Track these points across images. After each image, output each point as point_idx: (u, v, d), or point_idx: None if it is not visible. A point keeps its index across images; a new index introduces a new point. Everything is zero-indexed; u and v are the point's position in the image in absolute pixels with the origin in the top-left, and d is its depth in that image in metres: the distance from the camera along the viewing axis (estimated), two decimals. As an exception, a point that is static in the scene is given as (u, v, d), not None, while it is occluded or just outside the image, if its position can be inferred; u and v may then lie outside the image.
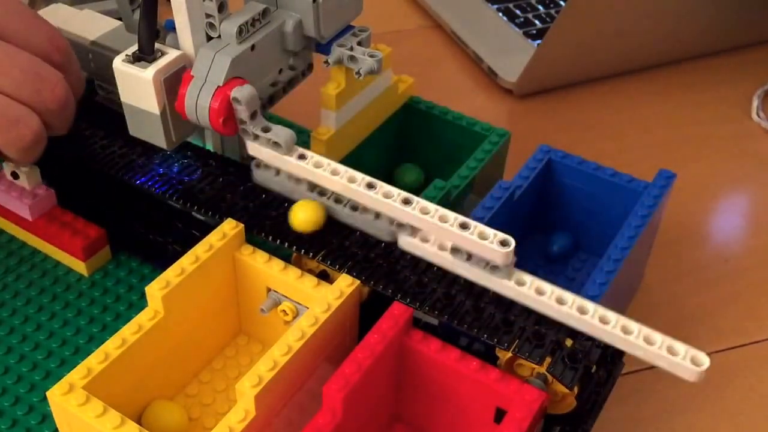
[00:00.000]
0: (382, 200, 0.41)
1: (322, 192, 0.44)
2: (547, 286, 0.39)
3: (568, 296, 0.38)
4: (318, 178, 0.43)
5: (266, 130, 0.43)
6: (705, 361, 0.36)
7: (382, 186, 0.41)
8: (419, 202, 0.40)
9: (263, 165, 0.45)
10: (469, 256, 0.40)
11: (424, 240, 0.41)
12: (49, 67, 0.43)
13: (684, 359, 0.36)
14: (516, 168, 0.51)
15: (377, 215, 0.42)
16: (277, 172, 0.45)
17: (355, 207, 0.43)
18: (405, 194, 0.41)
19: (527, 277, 0.39)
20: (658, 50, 0.75)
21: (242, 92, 0.42)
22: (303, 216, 0.43)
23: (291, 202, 0.44)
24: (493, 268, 0.39)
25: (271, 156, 0.44)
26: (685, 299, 0.55)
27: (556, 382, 0.37)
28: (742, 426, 0.48)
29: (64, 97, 0.43)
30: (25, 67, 0.42)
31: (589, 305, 0.38)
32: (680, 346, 0.36)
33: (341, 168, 0.42)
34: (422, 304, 0.39)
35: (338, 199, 0.43)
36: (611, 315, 0.37)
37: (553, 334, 0.38)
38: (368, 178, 0.42)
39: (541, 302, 0.38)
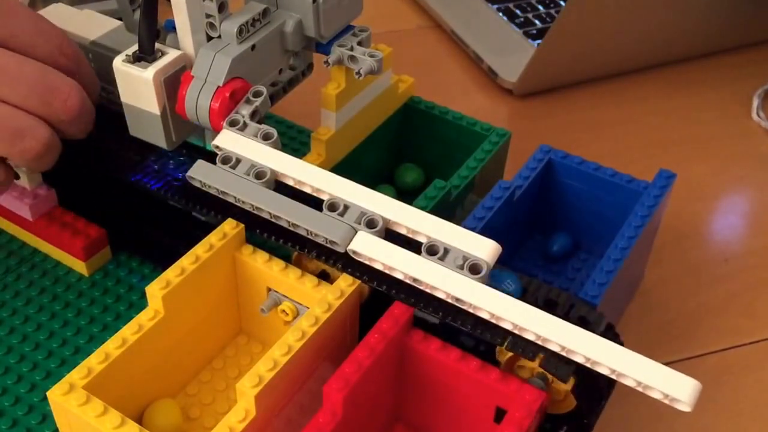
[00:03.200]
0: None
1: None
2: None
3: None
4: (299, 170, 0.42)
5: (259, 122, 0.43)
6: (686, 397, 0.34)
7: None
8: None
9: (217, 161, 0.43)
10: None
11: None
12: (61, 75, 0.42)
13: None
14: (516, 168, 0.51)
15: (341, 214, 0.40)
16: (234, 166, 0.43)
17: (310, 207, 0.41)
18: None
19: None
20: (658, 50, 0.75)
21: (262, 94, 0.42)
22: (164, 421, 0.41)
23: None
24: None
25: (247, 145, 0.42)
26: (684, 299, 0.55)
27: (556, 382, 0.37)
28: (742, 426, 0.48)
29: (78, 107, 0.42)
30: (32, 78, 0.41)
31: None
32: (657, 390, 0.34)
33: (322, 173, 0.41)
34: (417, 301, 0.39)
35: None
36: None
37: None
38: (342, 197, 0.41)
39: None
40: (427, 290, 0.38)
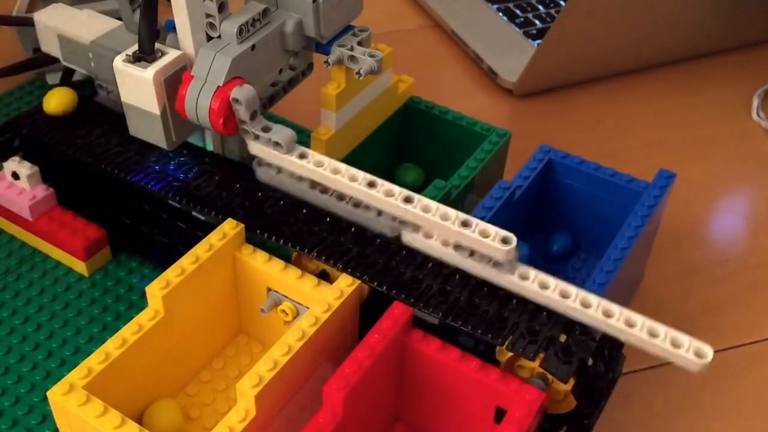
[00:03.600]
0: (383, 198, 0.41)
1: (323, 190, 0.44)
2: (551, 280, 0.38)
3: (572, 290, 0.38)
4: (319, 176, 0.43)
5: (266, 129, 0.43)
6: (708, 353, 0.36)
7: (383, 184, 0.41)
8: (420, 200, 0.40)
9: (265, 163, 0.45)
10: (472, 253, 0.40)
11: (428, 236, 0.41)
12: None
13: (687, 352, 0.36)
14: (516, 168, 0.51)
15: (379, 212, 0.42)
16: (279, 170, 0.45)
17: (357, 204, 0.43)
18: (406, 192, 0.41)
19: (531, 272, 0.39)
20: (658, 50, 0.75)
21: (242, 93, 0.42)
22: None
23: (291, 199, 0.44)
24: (496, 263, 0.39)
25: (272, 155, 0.44)
26: (684, 299, 0.55)
27: (556, 382, 0.38)
28: (742, 426, 0.48)
29: None
30: None
31: (593, 299, 0.38)
32: (684, 339, 0.36)
33: (342, 166, 0.42)
34: (417, 301, 0.40)
35: (341, 197, 0.43)
36: (615, 308, 0.37)
37: (547, 329, 0.38)
38: (369, 177, 0.42)
39: (545, 296, 0.38)
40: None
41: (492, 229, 0.39)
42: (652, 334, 0.36)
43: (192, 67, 0.44)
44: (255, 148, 0.44)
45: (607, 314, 0.37)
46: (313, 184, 0.44)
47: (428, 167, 0.58)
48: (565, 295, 0.38)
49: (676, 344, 0.36)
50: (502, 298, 0.40)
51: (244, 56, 0.44)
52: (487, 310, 0.39)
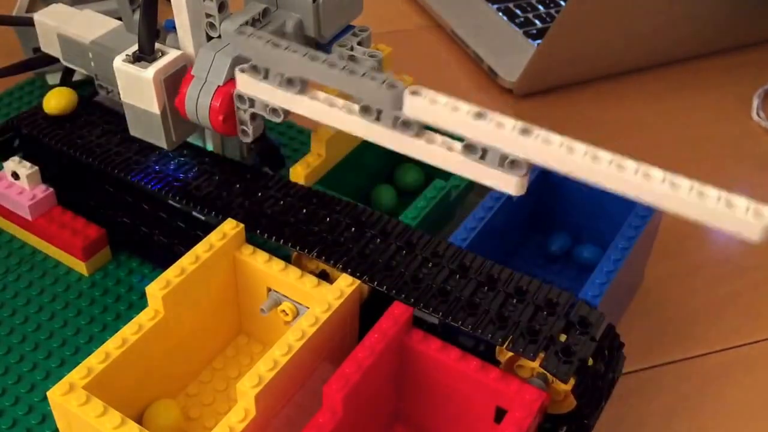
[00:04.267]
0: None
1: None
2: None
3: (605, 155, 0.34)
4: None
5: None
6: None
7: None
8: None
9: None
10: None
11: (434, 101, 0.36)
12: None
13: (747, 214, 0.31)
14: (516, 168, 0.51)
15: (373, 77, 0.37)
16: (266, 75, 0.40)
17: (353, 71, 0.38)
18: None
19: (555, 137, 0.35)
20: (658, 50, 0.75)
21: None
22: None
23: (290, 196, 0.44)
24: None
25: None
26: (685, 299, 0.55)
27: (556, 381, 0.38)
28: (742, 426, 0.48)
29: None
30: None
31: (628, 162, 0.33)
32: (741, 201, 0.31)
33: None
34: (417, 301, 0.40)
35: (333, 63, 0.38)
36: (656, 172, 0.32)
37: (547, 329, 0.38)
38: None
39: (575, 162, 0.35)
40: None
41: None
42: (702, 196, 0.32)
43: (192, 66, 0.44)
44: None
45: (647, 176, 0.32)
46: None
47: (428, 167, 0.58)
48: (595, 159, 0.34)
49: (731, 206, 0.31)
50: (503, 298, 0.40)
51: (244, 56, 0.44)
52: (487, 310, 0.39)
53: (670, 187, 0.32)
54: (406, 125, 0.38)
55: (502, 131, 0.35)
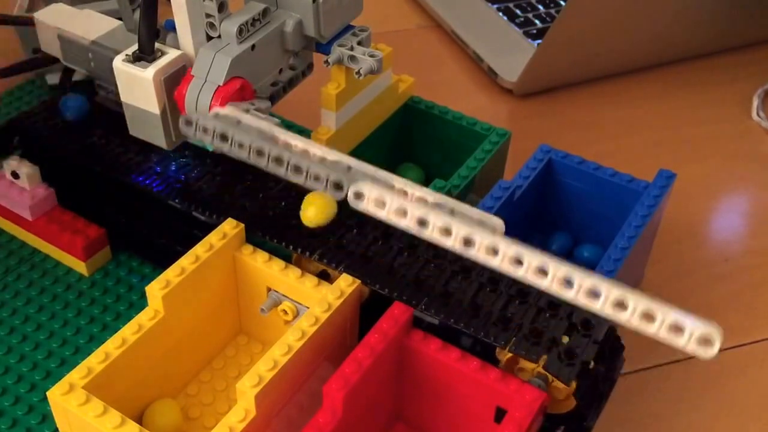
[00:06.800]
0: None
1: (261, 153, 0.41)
2: (526, 255, 0.35)
3: (550, 265, 0.35)
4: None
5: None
6: (716, 340, 0.31)
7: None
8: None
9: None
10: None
11: (380, 202, 0.37)
12: None
13: (689, 342, 0.31)
14: (516, 168, 0.51)
15: (321, 165, 0.39)
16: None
17: (297, 169, 0.40)
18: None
19: (502, 244, 0.35)
20: (658, 50, 0.75)
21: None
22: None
23: (291, 198, 0.44)
24: (480, 222, 0.36)
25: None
26: (685, 299, 0.55)
27: (556, 382, 0.37)
28: (742, 425, 0.48)
29: None
30: None
31: (576, 275, 0.34)
32: (688, 323, 0.32)
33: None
34: (419, 303, 0.40)
35: (279, 160, 0.40)
36: (603, 286, 0.33)
37: (550, 331, 0.38)
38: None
39: (522, 275, 0.35)
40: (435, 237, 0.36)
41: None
42: (648, 319, 0.32)
43: (192, 66, 0.44)
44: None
45: (594, 294, 0.33)
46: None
47: (428, 167, 0.58)
48: (543, 271, 0.35)
49: (677, 330, 0.32)
50: (505, 299, 0.40)
51: (244, 56, 0.44)
52: (489, 312, 0.39)
53: (612, 309, 0.33)
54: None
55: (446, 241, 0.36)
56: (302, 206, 0.42)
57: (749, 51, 0.79)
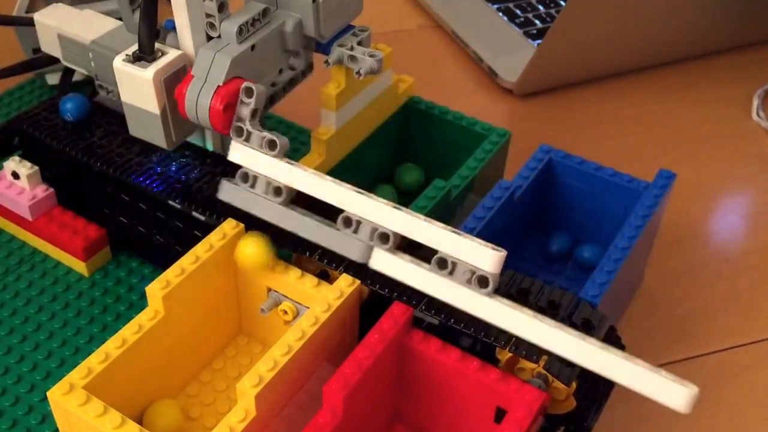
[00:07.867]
0: (374, 202, 0.41)
1: (292, 206, 0.43)
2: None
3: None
4: (306, 181, 0.42)
5: (261, 122, 0.43)
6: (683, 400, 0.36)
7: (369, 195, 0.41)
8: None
9: (235, 180, 0.44)
10: (452, 271, 0.39)
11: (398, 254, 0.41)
12: None
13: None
14: (516, 168, 0.51)
15: (355, 229, 0.41)
16: (254, 183, 0.44)
17: (329, 222, 0.42)
18: (390, 203, 0.41)
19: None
20: (658, 50, 0.75)
21: (256, 87, 0.42)
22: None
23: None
24: (480, 279, 0.39)
25: (256, 159, 0.43)
26: (685, 299, 0.55)
27: (556, 382, 0.37)
28: (741, 426, 0.48)
29: None
30: None
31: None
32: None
33: (329, 179, 0.42)
34: (419, 303, 0.40)
35: (309, 213, 0.43)
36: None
37: None
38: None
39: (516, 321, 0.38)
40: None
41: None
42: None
43: (192, 67, 0.44)
44: (237, 150, 0.43)
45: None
46: (287, 201, 0.43)
47: (428, 167, 0.58)
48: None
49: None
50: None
51: (244, 56, 0.44)
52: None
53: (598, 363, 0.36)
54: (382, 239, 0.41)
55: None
56: (240, 245, 0.43)
57: (749, 51, 0.79)
